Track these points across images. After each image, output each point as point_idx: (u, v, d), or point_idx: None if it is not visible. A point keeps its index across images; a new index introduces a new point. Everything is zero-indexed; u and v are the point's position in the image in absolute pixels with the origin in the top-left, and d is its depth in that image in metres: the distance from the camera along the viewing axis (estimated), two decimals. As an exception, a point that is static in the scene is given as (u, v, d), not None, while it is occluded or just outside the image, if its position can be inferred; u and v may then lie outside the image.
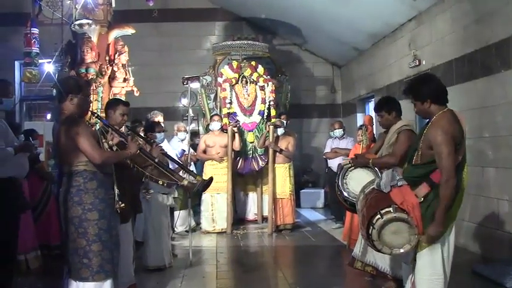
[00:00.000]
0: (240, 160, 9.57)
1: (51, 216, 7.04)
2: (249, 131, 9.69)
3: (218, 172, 9.08)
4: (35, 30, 7.58)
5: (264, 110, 9.67)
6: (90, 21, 7.61)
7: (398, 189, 3.81)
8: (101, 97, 7.51)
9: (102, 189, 4.08)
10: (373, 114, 9.81)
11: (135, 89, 8.30)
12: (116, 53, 8.09)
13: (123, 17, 8.89)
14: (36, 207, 6.85)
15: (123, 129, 5.12)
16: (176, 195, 8.14)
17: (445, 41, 7.78)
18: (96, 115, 4.67)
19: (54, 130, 4.24)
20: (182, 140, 9.15)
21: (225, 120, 9.46)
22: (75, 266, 3.99)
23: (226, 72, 9.83)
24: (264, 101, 9.66)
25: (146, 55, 12.61)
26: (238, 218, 10.08)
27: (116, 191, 4.26)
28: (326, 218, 10.67)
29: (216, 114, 9.67)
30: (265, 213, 9.64)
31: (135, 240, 6.31)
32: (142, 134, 6.39)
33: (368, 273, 5.54)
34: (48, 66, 7.89)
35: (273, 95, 9.72)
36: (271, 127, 9.15)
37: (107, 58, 7.91)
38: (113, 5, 8.14)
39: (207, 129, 10.05)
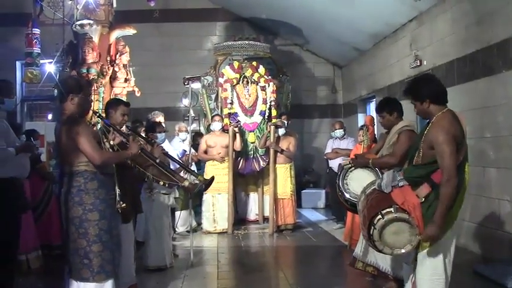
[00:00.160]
0: (241, 160, 9.57)
1: (53, 216, 7.05)
2: (250, 131, 9.69)
3: (219, 172, 9.08)
4: (36, 31, 7.59)
5: (265, 111, 9.67)
6: (91, 22, 7.61)
7: (399, 189, 3.81)
8: (102, 97, 7.52)
9: (102, 190, 4.08)
10: (374, 114, 9.83)
11: (136, 89, 8.31)
12: (117, 53, 8.09)
13: (124, 18, 8.89)
14: (37, 207, 6.86)
15: (123, 129, 5.12)
16: (177, 196, 8.16)
17: (446, 41, 7.77)
18: (97, 115, 4.67)
19: (56, 130, 4.22)
20: (183, 140, 9.15)
21: (226, 120, 9.46)
22: (76, 267, 3.99)
23: (228, 72, 9.83)
24: (265, 102, 9.66)
25: (147, 55, 12.61)
26: (239, 218, 10.08)
27: (117, 191, 4.26)
28: (327, 219, 10.66)
29: (217, 115, 9.67)
30: (266, 213, 9.65)
31: (136, 241, 6.33)
32: (143, 134, 6.39)
33: (369, 274, 5.54)
34: (50, 67, 7.90)
35: (274, 95, 9.71)
36: (272, 127, 9.16)
37: (108, 58, 7.91)
38: (114, 5, 8.15)
39: (208, 130, 10.06)
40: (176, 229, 8.60)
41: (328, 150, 9.43)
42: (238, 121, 9.56)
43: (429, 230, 3.62)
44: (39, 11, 8.20)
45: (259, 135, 9.63)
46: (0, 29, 11.74)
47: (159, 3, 11.72)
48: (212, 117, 9.78)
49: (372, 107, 12.16)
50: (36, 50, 7.58)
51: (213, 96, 10.45)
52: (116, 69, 7.98)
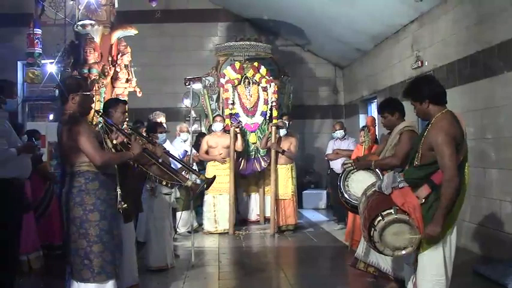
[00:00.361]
0: (243, 161, 9.57)
1: (54, 216, 7.06)
2: (252, 132, 9.69)
3: (220, 173, 9.09)
4: (38, 31, 7.59)
5: (266, 111, 9.67)
6: (93, 22, 7.61)
7: (400, 191, 3.81)
8: (104, 98, 7.50)
9: (103, 190, 4.07)
10: (375, 115, 9.83)
11: (137, 89, 8.31)
12: (119, 54, 8.09)
13: (125, 18, 8.89)
14: (38, 208, 6.86)
15: (125, 127, 5.11)
16: (178, 196, 8.18)
17: (448, 42, 7.77)
18: (100, 114, 4.67)
19: (58, 130, 4.22)
20: (184, 141, 9.17)
21: (228, 121, 9.46)
22: (77, 267, 3.99)
23: (229, 73, 9.83)
24: (266, 102, 9.65)
25: (149, 56, 12.64)
26: (240, 219, 10.09)
27: (118, 191, 4.26)
28: (328, 219, 10.67)
29: (219, 115, 9.68)
30: (268, 214, 9.65)
31: (137, 241, 6.34)
32: (144, 134, 6.39)
33: (370, 274, 5.55)
34: (51, 67, 7.91)
35: (276, 96, 9.71)
36: (273, 128, 9.16)
37: (110, 59, 7.91)
38: (116, 5, 8.14)
39: (209, 130, 10.06)
40: (177, 229, 8.61)
41: (329, 151, 9.44)
42: (240, 122, 9.56)
43: (430, 230, 3.62)
44: (41, 11, 8.20)
45: (260, 135, 9.63)
46: (2, 29, 11.74)
47: (161, 3, 11.71)
48: (213, 117, 9.80)
49: (373, 108, 12.16)
50: (38, 50, 7.59)
51: (215, 96, 10.45)
52: (118, 69, 7.98)
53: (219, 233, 9.10)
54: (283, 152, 9.21)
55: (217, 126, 9.34)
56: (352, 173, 5.25)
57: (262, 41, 10.91)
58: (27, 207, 5.69)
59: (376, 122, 8.12)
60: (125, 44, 8.20)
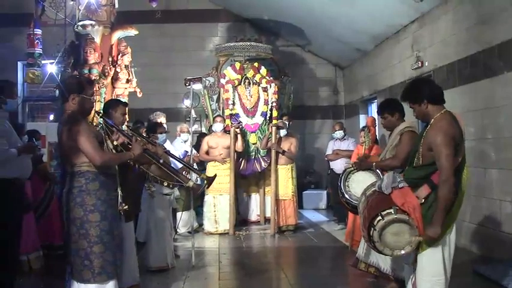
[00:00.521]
0: (243, 161, 9.57)
1: (54, 216, 7.06)
2: (252, 132, 9.70)
3: (221, 173, 9.06)
4: (38, 31, 7.59)
5: (266, 111, 9.67)
6: (93, 22, 7.61)
7: (399, 190, 3.81)
8: (104, 98, 7.51)
9: (104, 191, 4.06)
10: (375, 115, 9.83)
11: (138, 90, 8.31)
12: (119, 54, 8.09)
13: (126, 18, 8.88)
14: (38, 208, 6.86)
15: (125, 127, 5.11)
16: (178, 197, 8.18)
17: (448, 42, 7.77)
18: (100, 115, 4.66)
19: (58, 130, 4.21)
20: (185, 141, 9.17)
21: (228, 121, 9.47)
22: (77, 268, 3.97)
23: (229, 73, 9.83)
24: (266, 103, 9.65)
25: (149, 56, 12.64)
26: (240, 219, 10.08)
27: (119, 192, 4.26)
28: (328, 219, 10.67)
29: (219, 116, 9.68)
30: (268, 214, 9.65)
31: (137, 241, 6.34)
32: (144, 135, 6.39)
33: (371, 274, 5.55)
34: (51, 67, 7.91)
35: (276, 96, 9.71)
36: (273, 128, 9.16)
37: (110, 59, 7.91)
38: (116, 6, 8.14)
39: (209, 131, 10.07)
40: (178, 230, 8.61)
41: (329, 151, 9.47)
42: (240, 122, 9.56)
43: (430, 231, 3.63)
44: (41, 12, 8.21)
45: (260, 136, 9.63)
46: (2, 29, 11.74)
47: (161, 4, 11.71)
48: (214, 118, 9.80)
49: (373, 108, 12.16)
50: (38, 50, 7.59)
51: (215, 97, 10.46)
52: (118, 69, 7.98)
53: (220, 234, 9.10)
54: (283, 152, 9.21)
55: (218, 126, 9.35)
56: (353, 173, 5.26)
57: (263, 41, 10.90)
58: (27, 207, 5.69)
59: (376, 122, 8.11)
60: (125, 44, 8.21)
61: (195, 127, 11.51)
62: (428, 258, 3.77)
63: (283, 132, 9.29)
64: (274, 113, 9.65)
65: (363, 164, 5.25)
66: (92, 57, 7.61)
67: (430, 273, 3.79)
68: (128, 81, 8.12)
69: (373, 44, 11.08)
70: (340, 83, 14.16)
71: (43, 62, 7.79)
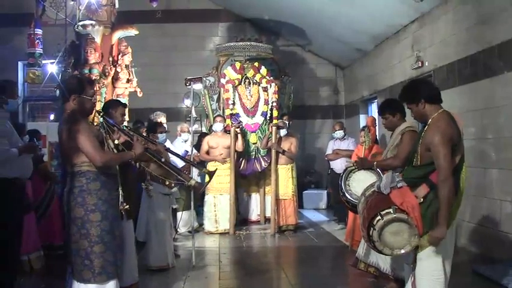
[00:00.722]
0: (243, 161, 9.57)
1: (54, 216, 7.06)
2: (252, 132, 9.70)
3: (221, 173, 9.10)
4: (39, 31, 7.61)
5: (266, 111, 9.67)
6: (93, 22, 7.63)
7: (398, 190, 3.83)
8: (104, 98, 7.52)
9: (105, 190, 4.04)
10: (375, 115, 9.84)
11: (138, 89, 8.33)
12: (119, 54, 8.11)
13: (126, 18, 8.90)
14: (39, 208, 6.87)
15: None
16: (178, 196, 8.19)
17: (448, 42, 7.78)
18: (101, 114, 4.65)
19: (59, 129, 4.20)
20: (185, 141, 9.19)
21: (228, 121, 9.47)
22: (77, 268, 3.96)
23: (229, 73, 9.84)
24: (266, 102, 9.65)
25: (149, 56, 12.64)
26: (241, 219, 10.08)
27: (120, 191, 4.26)
28: (329, 219, 10.67)
29: (219, 115, 9.69)
30: (268, 214, 9.65)
31: (137, 241, 6.35)
32: (144, 134, 6.40)
33: (371, 274, 5.55)
34: (52, 67, 7.93)
35: (276, 96, 9.70)
36: (273, 128, 9.16)
37: (110, 59, 7.93)
38: (117, 5, 8.16)
39: (210, 131, 10.07)
40: (178, 229, 8.61)
41: (329, 151, 9.47)
42: (240, 122, 9.56)
43: (436, 232, 3.63)
44: (42, 12, 8.23)
45: (260, 136, 9.63)
46: (3, 29, 11.75)
47: (162, 3, 11.72)
48: (214, 118, 9.81)
49: (373, 108, 12.17)
50: (39, 50, 7.62)
51: (215, 97, 10.47)
52: (118, 69, 8.00)
53: (220, 233, 9.10)
54: (283, 152, 9.22)
55: (218, 126, 9.35)
56: (354, 173, 5.27)
57: (263, 41, 10.91)
58: (27, 207, 5.69)
59: (377, 122, 8.12)
60: (125, 44, 8.22)
61: (195, 127, 11.53)
62: (427, 257, 3.79)
63: (283, 132, 9.30)
64: (275, 113, 9.64)
65: (364, 163, 5.26)
66: (93, 57, 7.63)
67: (429, 272, 3.80)
68: (128, 81, 8.13)
69: (373, 44, 11.09)
70: (340, 83, 14.17)
71: (43, 62, 7.81)
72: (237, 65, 9.87)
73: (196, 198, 7.76)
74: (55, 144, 8.92)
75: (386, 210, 3.72)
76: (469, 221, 7.16)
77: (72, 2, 8.15)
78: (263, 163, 9.58)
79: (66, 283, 4.43)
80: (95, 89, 7.22)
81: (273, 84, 9.69)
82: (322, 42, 13.15)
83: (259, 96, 9.73)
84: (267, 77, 9.78)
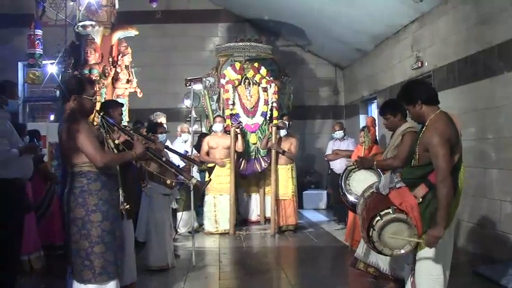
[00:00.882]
0: (243, 161, 9.58)
1: (55, 216, 7.07)
2: (252, 132, 9.70)
3: (221, 173, 9.13)
4: (39, 32, 7.62)
5: (266, 112, 9.68)
6: (93, 23, 7.64)
7: (397, 191, 3.84)
8: (104, 98, 7.52)
9: (105, 191, 4.04)
10: (375, 115, 9.84)
11: (138, 90, 8.33)
12: (119, 54, 8.11)
13: (126, 19, 8.90)
14: (39, 208, 6.87)
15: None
16: (178, 197, 8.20)
17: (448, 42, 7.78)
18: (101, 114, 4.63)
19: (59, 130, 4.19)
20: (185, 141, 9.19)
21: (228, 121, 9.48)
22: (77, 268, 3.95)
23: (229, 73, 9.84)
24: (266, 103, 9.66)
25: (149, 56, 12.64)
26: (241, 219, 10.09)
27: (121, 191, 4.25)
28: (329, 219, 10.67)
29: (219, 116, 9.69)
30: (268, 214, 9.66)
31: (137, 241, 6.35)
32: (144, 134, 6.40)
33: (370, 274, 5.55)
34: (52, 68, 7.94)
35: (276, 96, 9.72)
36: (273, 128, 9.17)
37: (110, 59, 7.93)
38: (117, 6, 8.16)
39: (210, 131, 10.08)
40: (178, 230, 8.62)
41: (329, 151, 9.47)
42: (240, 122, 9.57)
43: (435, 231, 3.64)
44: (42, 12, 8.23)
45: (260, 136, 9.64)
46: (3, 30, 11.76)
47: (161, 4, 11.73)
48: (214, 118, 9.81)
49: (373, 108, 12.17)
50: (39, 51, 7.62)
51: (215, 97, 10.47)
52: (118, 70, 8.00)
53: (220, 233, 9.11)
54: (283, 152, 9.22)
55: (218, 126, 9.36)
56: (354, 172, 5.28)
57: (263, 41, 10.92)
58: (28, 208, 5.69)
59: (376, 122, 8.12)
60: (125, 44, 8.23)
61: (195, 127, 11.53)
62: (426, 257, 3.79)
63: (283, 132, 9.30)
64: (275, 113, 9.65)
65: (364, 162, 5.27)
66: (93, 58, 7.64)
67: (428, 272, 3.81)
68: (128, 81, 8.14)
69: (373, 44, 11.09)
70: (340, 83, 14.18)
71: (44, 62, 7.81)
72: (237, 65, 9.88)
73: (196, 198, 7.77)
74: (55, 145, 8.94)
75: (386, 211, 3.73)
76: (469, 221, 7.16)
77: (72, 3, 8.17)
78: (263, 163, 9.59)
79: (66, 283, 4.44)
80: (95, 89, 7.25)
81: (272, 85, 9.70)
82: (322, 43, 13.16)
83: (259, 97, 9.74)
84: (267, 78, 9.79)
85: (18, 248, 5.30)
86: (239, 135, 9.27)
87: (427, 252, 3.77)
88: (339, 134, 9.45)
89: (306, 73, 13.94)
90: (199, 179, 7.59)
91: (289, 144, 9.29)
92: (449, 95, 7.50)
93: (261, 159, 9.62)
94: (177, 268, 6.59)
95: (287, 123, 9.61)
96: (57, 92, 7.90)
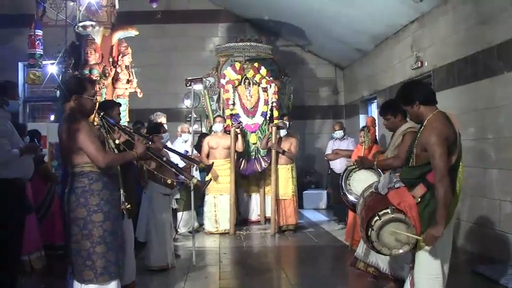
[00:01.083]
0: (243, 161, 9.58)
1: (56, 216, 7.07)
2: (252, 132, 9.71)
3: (221, 173, 9.15)
4: (39, 32, 7.62)
5: (266, 112, 9.69)
6: (93, 23, 7.64)
7: (396, 191, 3.86)
8: (105, 98, 7.53)
9: (107, 191, 4.04)
10: (375, 115, 9.84)
11: (138, 90, 8.34)
12: (120, 55, 8.12)
13: (126, 19, 8.90)
14: (40, 208, 6.87)
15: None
16: (179, 197, 8.20)
17: (448, 42, 7.79)
18: (101, 115, 4.63)
19: (59, 129, 4.18)
20: (185, 141, 9.19)
21: (228, 121, 9.49)
22: (78, 268, 3.95)
23: (229, 73, 9.85)
24: (266, 103, 9.67)
25: (149, 56, 12.65)
26: (241, 219, 10.09)
27: (122, 191, 4.26)
28: (329, 219, 10.68)
29: (219, 116, 9.70)
30: (268, 214, 9.66)
31: (138, 241, 6.36)
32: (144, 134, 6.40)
33: (370, 274, 5.55)
34: (52, 68, 7.94)
35: (276, 96, 9.73)
36: (273, 128, 9.17)
37: (111, 60, 7.94)
38: (117, 6, 8.17)
39: (210, 131, 10.08)
40: (178, 230, 8.62)
41: (329, 151, 9.47)
42: (240, 122, 9.58)
43: (433, 230, 3.64)
44: (42, 13, 8.24)
45: (260, 136, 9.65)
46: (3, 30, 11.77)
47: (162, 4, 11.75)
48: (214, 118, 9.82)
49: (373, 108, 12.18)
50: (39, 51, 7.62)
51: (215, 97, 10.48)
52: (118, 70, 8.00)
53: (220, 233, 9.12)
54: (283, 152, 9.23)
55: (218, 126, 9.37)
56: (354, 172, 5.28)
57: (263, 41, 10.93)
58: (28, 209, 5.70)
59: (376, 122, 8.13)
60: (125, 45, 8.23)
61: (196, 127, 11.54)
62: (425, 256, 3.81)
63: (283, 132, 9.31)
64: (275, 113, 9.67)
65: (364, 162, 5.28)
66: (93, 58, 7.64)
67: (427, 272, 3.83)
68: (128, 81, 8.14)
69: (373, 44, 11.10)
70: (340, 83, 14.18)
71: (44, 62, 7.81)
72: (237, 65, 9.89)
73: (196, 198, 7.78)
74: (55, 145, 8.94)
75: (384, 211, 3.75)
76: (469, 221, 7.17)
77: (72, 3, 8.17)
78: (263, 163, 9.59)
79: (66, 283, 4.44)
80: (96, 89, 7.26)
81: (272, 85, 9.71)
82: (322, 43, 13.16)
83: (259, 97, 9.75)
84: (267, 78, 9.80)
85: (18, 248, 5.30)
86: (239, 135, 9.28)
87: (426, 251, 3.78)
88: (339, 133, 9.46)
89: (306, 73, 13.95)
90: (199, 178, 7.59)
91: (289, 144, 9.30)
92: (449, 95, 7.50)
93: (261, 159, 9.63)
94: (177, 268, 6.60)
95: (287, 123, 9.62)
96: (58, 92, 7.91)
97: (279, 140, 9.29)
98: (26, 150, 5.21)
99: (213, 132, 9.66)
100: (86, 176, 3.98)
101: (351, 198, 5.20)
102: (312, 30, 12.39)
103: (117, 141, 4.38)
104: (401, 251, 3.75)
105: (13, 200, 5.06)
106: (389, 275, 5.30)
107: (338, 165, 9.12)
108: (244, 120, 9.68)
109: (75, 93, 4.10)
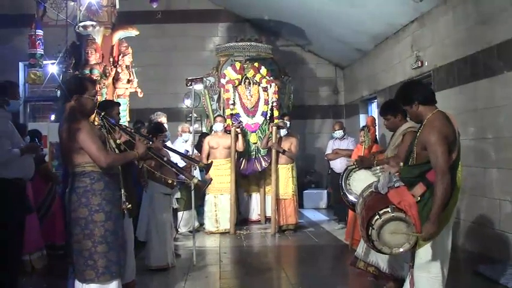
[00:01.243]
0: (243, 161, 9.59)
1: (56, 216, 7.07)
2: (252, 132, 9.72)
3: (221, 173, 9.15)
4: (40, 32, 7.63)
5: (267, 111, 9.70)
6: (94, 23, 7.65)
7: (395, 190, 3.86)
8: (105, 98, 7.54)
9: (108, 190, 4.04)
10: (375, 115, 9.85)
11: (138, 90, 8.34)
12: (120, 55, 8.12)
13: (127, 19, 8.91)
14: (40, 208, 6.88)
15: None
16: (179, 196, 8.21)
17: (448, 42, 7.79)
18: (102, 115, 4.63)
19: (59, 129, 4.19)
20: (186, 141, 9.20)
21: (228, 121, 9.50)
22: (79, 268, 3.95)
23: (230, 73, 9.86)
24: (266, 102, 9.68)
25: (150, 56, 12.65)
26: (241, 219, 10.11)
27: (123, 191, 4.26)
28: (329, 219, 10.69)
29: (219, 116, 9.71)
30: (268, 213, 9.67)
31: (138, 241, 6.36)
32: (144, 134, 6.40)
33: (370, 274, 5.56)
34: (52, 68, 7.95)
35: (276, 96, 9.74)
36: (274, 128, 9.18)
37: (111, 59, 7.94)
38: (117, 6, 8.18)
39: (210, 131, 10.09)
40: (179, 229, 8.63)
41: (329, 150, 9.48)
42: (240, 122, 9.59)
43: (427, 228, 3.67)
44: (43, 13, 8.25)
45: (261, 135, 9.66)
46: (4, 30, 11.77)
47: (162, 4, 11.74)
48: (214, 118, 9.82)
49: (373, 108, 12.18)
50: (39, 51, 7.63)
51: (215, 97, 10.48)
52: (119, 70, 8.01)
53: (220, 233, 9.13)
54: (283, 152, 9.23)
55: (218, 126, 9.38)
56: (354, 172, 5.28)
57: (263, 41, 10.93)
58: (29, 209, 5.70)
59: (376, 122, 8.13)
60: (126, 44, 8.24)
61: (196, 127, 11.55)
62: (425, 255, 3.82)
63: (283, 131, 9.32)
64: (275, 113, 9.68)
65: (364, 162, 5.28)
66: (93, 58, 7.65)
67: (427, 270, 3.84)
68: (128, 81, 8.15)
69: (373, 44, 11.10)
70: (340, 82, 14.18)
71: (44, 62, 7.83)
72: (237, 65, 9.90)
73: (197, 198, 7.79)
74: (56, 145, 8.94)
75: (384, 210, 3.76)
76: (469, 220, 7.17)
77: (72, 3, 8.18)
78: (263, 163, 9.60)
79: (67, 283, 4.45)
80: (96, 89, 7.26)
81: (273, 84, 9.72)
82: (322, 42, 13.16)
83: (259, 96, 9.76)
84: (267, 77, 9.81)
85: (19, 248, 5.30)
86: (239, 135, 9.29)
87: (425, 250, 3.80)
88: (339, 133, 9.47)
89: (306, 73, 13.95)
90: (199, 178, 7.59)
91: (290, 144, 9.31)
92: (449, 94, 7.51)
93: (261, 159, 9.64)
94: (177, 267, 6.61)
95: (287, 122, 9.62)
96: (58, 92, 7.91)
97: (279, 139, 9.30)
98: (27, 150, 5.22)
99: (213, 132, 9.67)
100: (88, 176, 3.98)
101: (351, 198, 5.19)
102: (312, 30, 12.39)
103: (118, 141, 4.38)
104: (401, 249, 3.75)
105: (13, 200, 5.06)
106: (390, 274, 5.31)
107: (338, 164, 9.13)
108: (245, 119, 9.69)
109: (76, 93, 4.10)
